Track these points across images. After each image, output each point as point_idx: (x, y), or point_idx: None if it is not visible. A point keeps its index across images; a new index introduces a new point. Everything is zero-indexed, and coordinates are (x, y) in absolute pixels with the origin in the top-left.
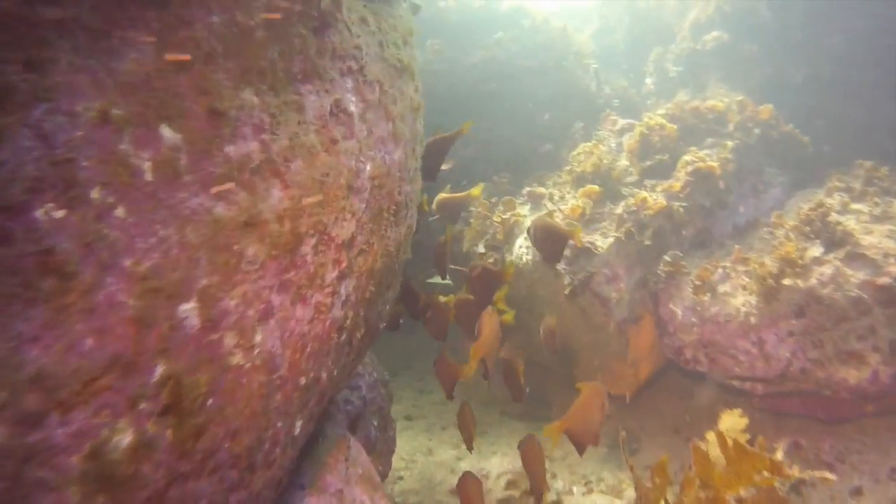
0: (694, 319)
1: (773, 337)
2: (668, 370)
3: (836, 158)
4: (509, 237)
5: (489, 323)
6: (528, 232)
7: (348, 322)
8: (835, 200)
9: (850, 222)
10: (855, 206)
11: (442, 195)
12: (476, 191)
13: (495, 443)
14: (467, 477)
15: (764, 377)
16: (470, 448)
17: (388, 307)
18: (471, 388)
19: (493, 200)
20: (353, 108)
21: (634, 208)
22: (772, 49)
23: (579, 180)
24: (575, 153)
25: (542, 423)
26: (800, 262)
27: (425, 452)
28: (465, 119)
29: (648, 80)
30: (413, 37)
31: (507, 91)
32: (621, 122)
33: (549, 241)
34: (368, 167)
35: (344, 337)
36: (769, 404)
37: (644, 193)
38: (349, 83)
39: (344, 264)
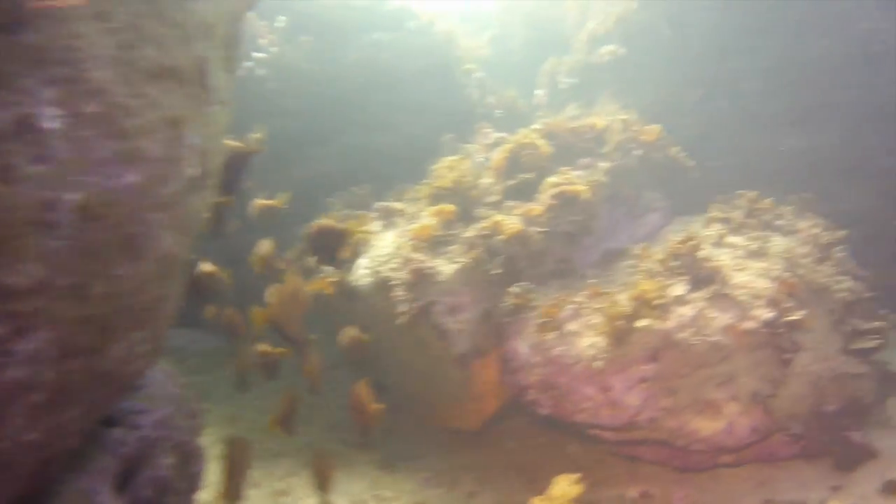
0: (538, 359)
1: (621, 383)
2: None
3: (726, 185)
4: (355, 254)
5: (280, 291)
6: (306, 235)
7: (44, 377)
8: (712, 232)
9: (724, 257)
10: (732, 238)
11: (259, 202)
12: (278, 202)
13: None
14: None
15: (610, 425)
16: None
17: (147, 347)
18: (315, 409)
19: (347, 213)
20: (51, 124)
21: (486, 232)
22: (669, 68)
23: (436, 197)
24: (437, 167)
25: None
26: (658, 301)
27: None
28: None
29: (539, 92)
30: (212, 31)
31: (382, 96)
32: (494, 135)
33: (322, 239)
34: (72, 196)
35: (42, 396)
36: (622, 449)
37: (499, 216)
38: (51, 94)
39: (21, 317)
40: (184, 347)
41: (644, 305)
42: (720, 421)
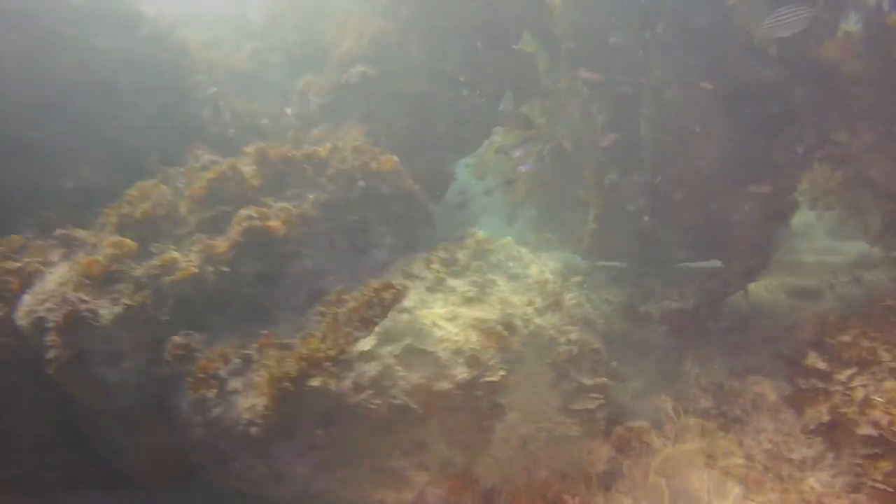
0: (198, 419)
1: (287, 451)
2: None
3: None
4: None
5: None
6: None
7: None
8: (429, 274)
9: (437, 304)
10: (452, 282)
11: None
12: None
13: None
14: None
15: (282, 497)
16: None
17: None
18: None
19: (27, 240)
20: None
21: (157, 271)
22: (421, 92)
23: (123, 226)
24: (129, 192)
25: None
26: (336, 357)
27: None
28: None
29: (289, 111)
30: None
31: (99, 110)
32: (206, 157)
33: None
34: None
35: None
36: None
37: (174, 253)
38: None
39: None
40: None
41: (314, 364)
42: (407, 491)
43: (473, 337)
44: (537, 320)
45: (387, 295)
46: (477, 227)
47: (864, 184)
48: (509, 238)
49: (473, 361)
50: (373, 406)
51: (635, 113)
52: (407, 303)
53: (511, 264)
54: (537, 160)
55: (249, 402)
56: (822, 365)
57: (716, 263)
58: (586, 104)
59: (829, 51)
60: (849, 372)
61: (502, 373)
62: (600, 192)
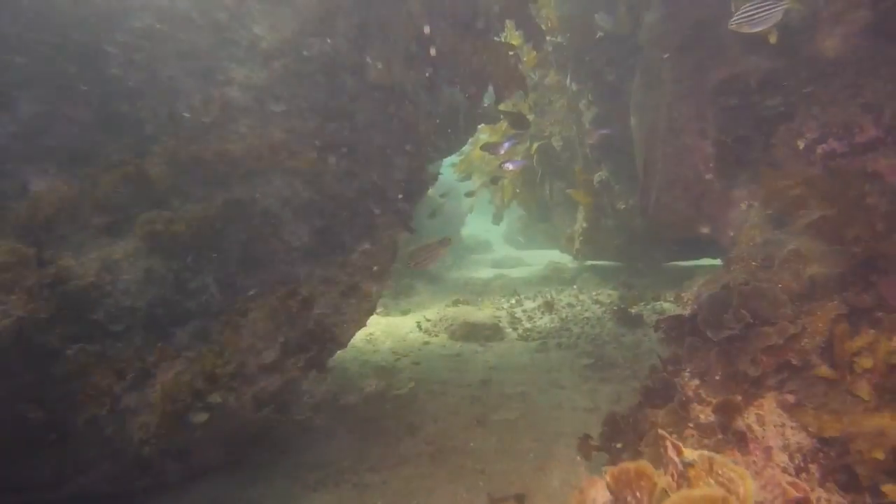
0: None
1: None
2: None
3: None
4: None
5: None
6: None
7: None
8: (344, 278)
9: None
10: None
11: None
12: None
13: None
14: None
15: None
16: None
17: None
18: None
19: None
20: None
21: (51, 280)
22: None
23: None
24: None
25: None
26: (233, 372)
27: None
28: None
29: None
30: None
31: None
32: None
33: None
34: None
35: None
36: None
37: (71, 261)
38: None
39: None
40: None
41: (211, 380)
42: None
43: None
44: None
45: (292, 303)
46: (463, 227)
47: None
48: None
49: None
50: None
51: (625, 107)
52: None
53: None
54: (524, 157)
55: (142, 419)
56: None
57: (709, 261)
58: (574, 99)
59: (832, 40)
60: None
61: (412, 385)
62: (590, 191)
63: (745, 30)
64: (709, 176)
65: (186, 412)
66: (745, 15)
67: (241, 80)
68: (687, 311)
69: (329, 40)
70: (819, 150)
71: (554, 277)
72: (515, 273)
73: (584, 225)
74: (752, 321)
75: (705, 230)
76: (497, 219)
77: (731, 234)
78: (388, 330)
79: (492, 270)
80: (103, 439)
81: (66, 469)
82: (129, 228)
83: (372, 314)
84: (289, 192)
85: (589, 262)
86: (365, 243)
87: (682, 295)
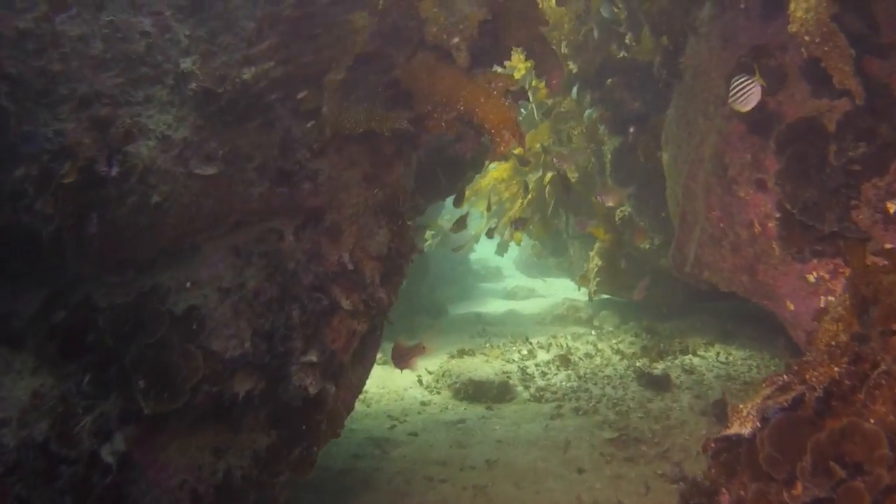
0: None
1: None
2: None
3: None
4: None
5: None
6: None
7: None
8: None
9: None
10: None
11: None
12: None
13: None
14: None
15: None
16: None
17: None
18: None
19: None
20: None
21: None
22: None
23: None
24: None
25: None
26: None
27: None
28: None
29: None
30: None
31: None
32: None
33: None
34: None
35: None
36: None
37: None
38: None
39: None
40: None
41: None
42: None
43: None
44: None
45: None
46: (472, 252)
47: None
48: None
49: None
50: None
51: (654, 139)
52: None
53: None
54: (536, 188)
55: None
56: None
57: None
58: (592, 127)
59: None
60: None
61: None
62: (611, 227)
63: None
64: (767, 238)
65: None
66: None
67: (162, 130)
68: (745, 430)
69: (284, 67)
70: None
71: (570, 317)
72: (528, 309)
73: (600, 263)
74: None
75: (762, 301)
76: (502, 250)
77: (793, 307)
78: (384, 383)
79: (502, 303)
80: None
81: None
82: None
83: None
84: (230, 279)
85: (606, 296)
86: (312, 353)
87: (738, 408)
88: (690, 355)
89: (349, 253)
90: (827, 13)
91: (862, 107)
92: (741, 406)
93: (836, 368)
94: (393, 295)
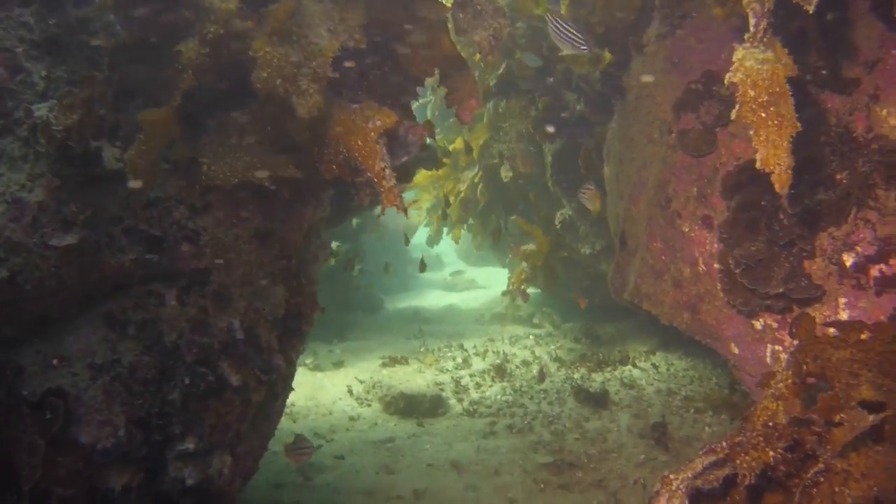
0: None
1: None
2: None
3: None
4: None
5: None
6: None
7: None
8: None
9: None
10: None
11: None
12: None
13: None
14: None
15: None
16: None
17: None
18: None
19: None
20: None
21: None
22: None
23: None
24: None
25: None
26: None
27: None
28: None
29: None
30: None
31: None
32: None
33: None
34: None
35: None
36: None
37: None
38: None
39: None
40: None
41: None
42: None
43: None
44: None
45: None
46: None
47: None
48: None
49: None
50: None
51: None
52: None
53: None
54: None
55: None
56: None
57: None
58: (535, 126)
59: None
60: None
61: None
62: (550, 230)
63: None
64: (712, 279)
65: None
66: None
67: (13, 192)
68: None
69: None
70: (874, 272)
71: (509, 315)
72: (468, 303)
73: (530, 271)
74: None
75: (704, 340)
76: (432, 242)
77: (737, 352)
78: (313, 394)
79: (442, 295)
80: None
81: None
82: None
83: None
84: (102, 353)
85: (548, 293)
86: (189, 440)
87: (668, 479)
88: (630, 366)
89: (240, 319)
90: (785, 72)
91: (822, 150)
92: (671, 477)
93: (771, 453)
94: (295, 356)
